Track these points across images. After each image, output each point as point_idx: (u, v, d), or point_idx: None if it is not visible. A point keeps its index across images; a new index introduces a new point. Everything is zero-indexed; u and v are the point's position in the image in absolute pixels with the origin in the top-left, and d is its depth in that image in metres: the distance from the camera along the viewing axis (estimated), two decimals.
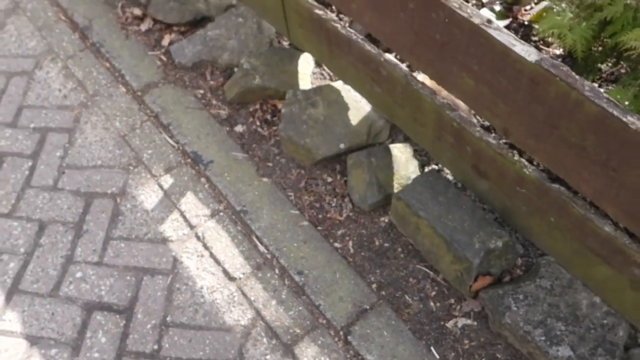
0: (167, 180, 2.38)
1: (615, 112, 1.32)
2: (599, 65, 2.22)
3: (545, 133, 1.54)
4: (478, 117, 2.34)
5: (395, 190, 2.17)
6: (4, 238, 2.29)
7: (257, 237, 2.19)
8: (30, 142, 2.56)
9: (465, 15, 1.53)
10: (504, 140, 2.18)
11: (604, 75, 2.29)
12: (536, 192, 1.74)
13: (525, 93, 1.51)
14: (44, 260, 2.22)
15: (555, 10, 2.07)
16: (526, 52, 1.45)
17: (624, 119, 1.31)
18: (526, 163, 1.74)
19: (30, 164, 2.49)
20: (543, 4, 2.50)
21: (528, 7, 2.61)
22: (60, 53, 2.85)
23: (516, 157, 1.76)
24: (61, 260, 2.22)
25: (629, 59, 1.93)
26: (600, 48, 2.17)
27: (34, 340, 2.05)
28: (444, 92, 2.12)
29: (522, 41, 1.47)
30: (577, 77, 1.38)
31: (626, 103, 1.83)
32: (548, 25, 1.97)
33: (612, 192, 1.48)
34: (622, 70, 2.13)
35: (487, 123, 2.31)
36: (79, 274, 2.18)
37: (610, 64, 2.29)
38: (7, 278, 2.19)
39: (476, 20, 1.52)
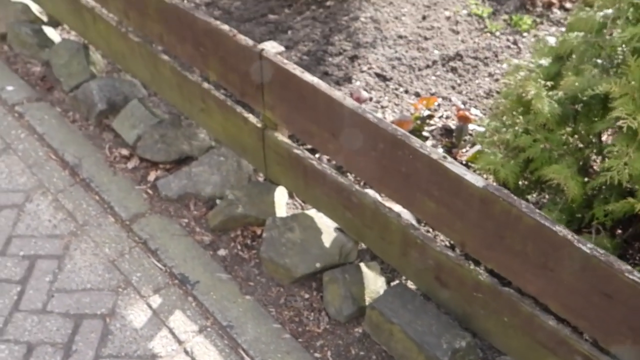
0: (156, 300, 2.55)
1: (547, 223, 1.72)
2: (527, 196, 2.70)
3: (495, 243, 1.92)
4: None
5: (367, 303, 2.45)
6: None
7: (243, 349, 2.36)
8: (20, 268, 2.69)
9: (426, 152, 1.97)
10: (459, 253, 2.55)
11: (531, 203, 2.77)
12: (491, 296, 2.08)
13: (477, 211, 1.91)
14: None
15: (488, 152, 2.58)
16: (475, 180, 1.87)
17: (554, 228, 1.71)
18: (481, 271, 2.10)
19: (19, 289, 2.61)
20: (476, 148, 3.05)
21: (464, 150, 3.16)
22: (50, 188, 3.09)
23: (472, 266, 2.11)
24: None
25: (550, 188, 2.41)
26: (526, 182, 2.67)
27: None
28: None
29: (471, 171, 1.90)
30: (515, 197, 1.80)
31: None
32: (484, 163, 2.45)
33: (551, 289, 1.84)
34: (545, 199, 2.61)
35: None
36: None
37: (535, 195, 2.79)
38: None
39: (435, 156, 1.95)
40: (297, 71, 2.31)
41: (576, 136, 2.38)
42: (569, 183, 2.14)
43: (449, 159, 1.94)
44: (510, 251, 1.88)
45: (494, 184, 2.79)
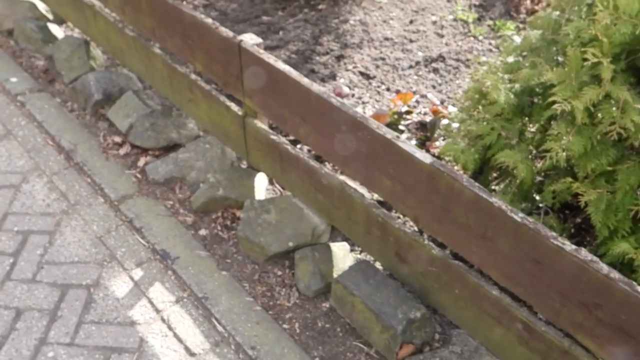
0: (138, 273, 2.73)
1: (484, 195, 1.88)
2: (492, 186, 2.86)
3: (443, 217, 2.08)
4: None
5: None
6: None
7: (216, 319, 2.53)
8: (13, 242, 2.88)
9: (382, 132, 2.14)
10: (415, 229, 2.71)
11: (495, 192, 2.93)
12: (443, 269, 2.23)
13: (426, 187, 2.07)
14: (19, 342, 2.45)
15: (452, 141, 2.74)
16: (424, 157, 2.04)
17: (490, 200, 1.87)
18: (433, 245, 2.26)
19: (11, 260, 2.80)
20: (448, 140, 3.20)
21: (437, 143, 3.32)
22: (46, 170, 3.29)
23: (426, 242, 2.27)
24: (35, 342, 2.45)
25: (505, 174, 2.57)
26: (493, 173, 2.83)
27: None
28: None
29: (420, 149, 2.07)
30: (457, 172, 1.96)
31: None
32: (446, 150, 2.62)
33: (492, 259, 1.99)
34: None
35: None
36: (51, 354, 2.41)
37: (502, 185, 2.94)
38: None
39: (389, 136, 2.12)
40: (271, 60, 2.49)
41: (531, 125, 2.54)
42: (519, 166, 2.29)
43: (402, 138, 2.10)
44: (456, 223, 2.04)
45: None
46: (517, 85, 2.52)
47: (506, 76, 2.62)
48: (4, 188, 3.18)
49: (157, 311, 2.57)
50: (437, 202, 2.06)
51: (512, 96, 2.47)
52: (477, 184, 1.91)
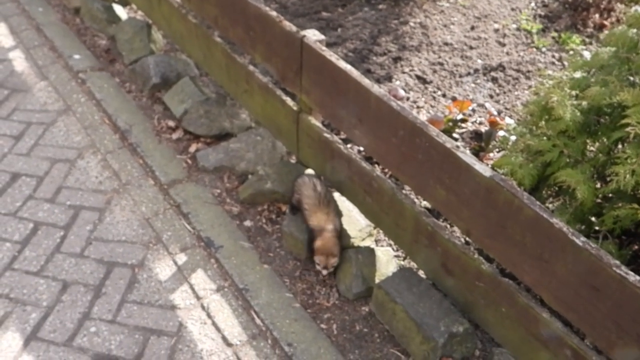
0: (182, 258, 2.76)
1: (545, 215, 1.82)
2: (547, 204, 2.77)
3: (497, 233, 2.02)
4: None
5: None
6: (29, 292, 2.59)
7: (255, 311, 2.53)
8: (65, 216, 2.96)
9: (441, 141, 2.09)
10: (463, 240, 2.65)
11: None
12: (491, 285, 2.17)
13: (483, 200, 2.01)
14: (63, 314, 2.51)
15: (510, 155, 2.66)
16: (483, 169, 1.98)
17: (551, 220, 1.80)
18: (483, 260, 2.20)
19: (62, 233, 2.87)
20: (503, 153, 3.12)
21: (491, 155, 3.24)
22: (101, 148, 3.36)
23: (475, 255, 2.21)
24: (78, 316, 2.51)
25: (564, 193, 2.48)
26: (548, 190, 2.74)
27: None
28: None
29: (480, 162, 2.01)
30: (518, 188, 1.90)
31: None
32: (503, 163, 2.54)
33: (546, 281, 1.92)
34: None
35: None
36: (93, 329, 2.47)
37: (556, 203, 2.85)
38: (27, 326, 2.46)
39: (449, 145, 2.07)
40: (333, 58, 2.47)
41: (596, 144, 2.44)
42: (580, 187, 2.20)
43: (462, 148, 2.05)
44: (511, 241, 1.98)
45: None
46: (584, 103, 2.43)
47: (573, 92, 2.52)
48: (60, 162, 3.26)
49: (198, 298, 2.60)
50: (493, 217, 2.00)
51: (578, 114, 2.38)
52: (538, 202, 1.85)
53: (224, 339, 2.44)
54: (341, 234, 2.69)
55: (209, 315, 2.53)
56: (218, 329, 2.48)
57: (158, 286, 2.64)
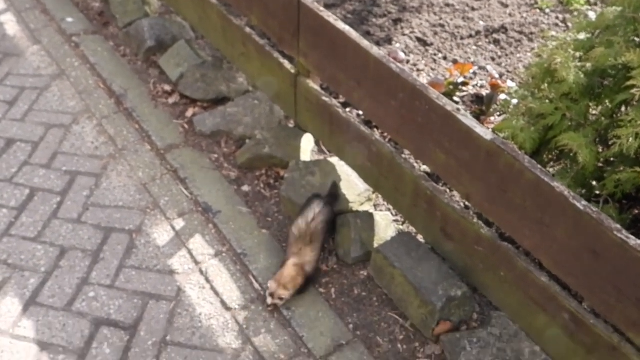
0: (179, 223, 2.74)
1: (546, 179, 1.79)
2: (548, 168, 2.74)
3: (498, 197, 1.99)
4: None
5: None
6: (27, 258, 2.58)
7: (253, 276, 2.53)
8: (61, 182, 2.93)
9: (442, 103, 2.05)
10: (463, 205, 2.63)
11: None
12: (490, 249, 2.16)
13: (483, 164, 1.98)
14: (62, 279, 2.51)
15: (511, 119, 2.62)
16: (484, 132, 1.94)
17: (552, 184, 1.77)
18: (482, 224, 2.18)
19: (58, 199, 2.85)
20: (504, 116, 3.08)
21: (492, 118, 3.19)
22: (96, 113, 3.31)
23: (475, 220, 2.20)
24: (77, 281, 2.51)
25: (565, 157, 2.44)
26: (549, 155, 2.71)
27: (44, 346, 2.29)
28: None
29: (481, 125, 1.97)
30: (519, 152, 1.86)
31: None
32: (504, 127, 2.50)
33: (546, 245, 1.91)
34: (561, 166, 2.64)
35: None
36: (91, 294, 2.47)
37: (556, 167, 2.82)
38: (26, 292, 2.46)
39: (449, 108, 2.03)
40: (331, 19, 2.40)
41: (599, 108, 2.39)
42: (582, 150, 2.17)
43: (462, 111, 2.01)
44: (511, 205, 1.95)
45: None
46: (588, 65, 2.37)
47: (577, 54, 2.47)
48: (55, 127, 3.22)
49: (196, 263, 2.59)
50: (493, 181, 1.98)
51: (582, 76, 2.33)
52: (539, 166, 1.82)
53: (223, 303, 2.45)
54: (310, 278, 2.46)
55: (207, 280, 2.53)
56: (217, 294, 2.48)
57: (156, 251, 2.64)
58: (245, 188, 2.92)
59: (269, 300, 2.38)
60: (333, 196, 2.67)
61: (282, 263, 2.48)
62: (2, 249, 2.60)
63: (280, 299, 2.36)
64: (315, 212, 2.52)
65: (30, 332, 2.33)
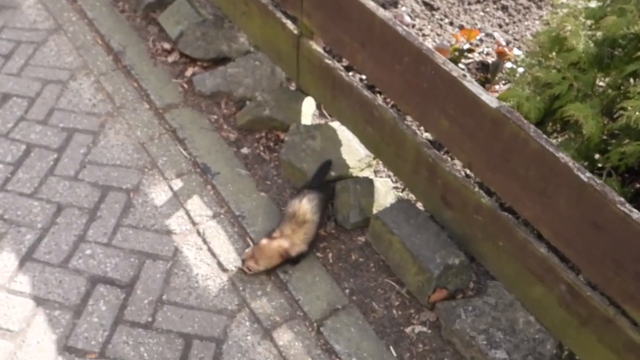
0: (177, 184, 2.72)
1: (550, 149, 1.76)
2: (552, 139, 2.70)
3: (500, 166, 1.97)
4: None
5: None
6: (24, 214, 2.57)
7: (250, 238, 2.52)
8: (58, 138, 2.89)
9: (447, 69, 2.00)
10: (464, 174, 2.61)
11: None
12: (490, 219, 2.14)
13: (487, 132, 1.95)
14: (58, 236, 2.50)
15: (517, 87, 2.57)
16: (490, 100, 1.90)
17: (557, 155, 1.75)
18: (483, 194, 2.16)
19: (55, 156, 2.81)
20: (509, 85, 3.03)
21: (497, 87, 3.14)
22: (94, 70, 3.24)
23: (476, 189, 2.17)
24: (73, 238, 2.50)
25: (570, 128, 2.41)
26: (553, 125, 2.67)
27: (40, 302, 2.29)
28: None
29: (487, 92, 1.93)
30: (525, 121, 1.83)
31: None
32: (509, 95, 2.45)
33: (546, 216, 1.89)
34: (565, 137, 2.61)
35: None
36: (88, 251, 2.46)
37: (559, 138, 2.79)
38: (22, 247, 2.45)
39: (455, 74, 1.98)
40: None
41: (607, 79, 2.35)
42: (588, 122, 2.13)
43: (468, 77, 1.96)
44: (514, 175, 1.93)
45: None
46: (598, 34, 2.31)
47: (588, 22, 2.40)
48: (51, 83, 3.16)
49: (194, 224, 2.58)
50: (497, 150, 1.95)
51: (592, 45, 2.27)
52: (544, 136, 1.78)
53: (220, 264, 2.45)
54: (293, 260, 2.42)
55: (204, 241, 2.52)
56: (214, 255, 2.47)
57: (154, 211, 2.62)
58: (245, 150, 2.89)
59: (237, 266, 2.40)
60: (322, 173, 2.61)
61: (271, 231, 2.44)
62: None
63: (249, 269, 2.36)
64: (309, 197, 2.46)
65: (27, 287, 2.33)
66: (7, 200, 2.61)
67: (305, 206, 2.42)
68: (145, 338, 2.21)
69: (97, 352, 2.16)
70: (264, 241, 2.38)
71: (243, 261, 2.37)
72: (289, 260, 2.41)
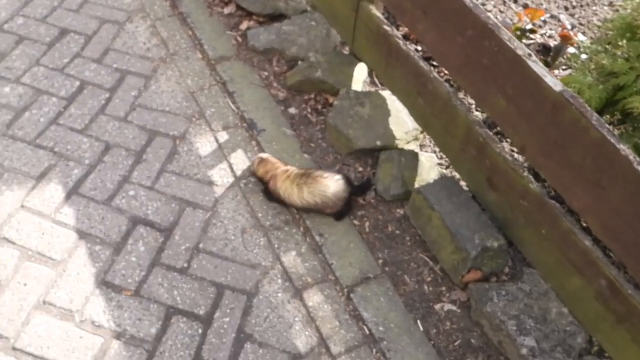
0: (223, 136, 2.74)
1: (612, 140, 1.70)
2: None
3: (555, 152, 1.91)
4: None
5: None
6: (73, 149, 2.63)
7: None
8: (111, 79, 2.93)
9: (513, 47, 1.93)
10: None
11: None
12: (536, 205, 2.10)
13: (547, 116, 1.89)
14: (104, 174, 2.56)
15: (579, 74, 2.48)
16: (554, 83, 1.84)
17: (618, 146, 1.68)
18: (532, 179, 2.11)
19: (107, 96, 2.86)
20: (569, 72, 2.92)
21: (557, 72, 3.03)
22: (151, 14, 3.26)
23: (525, 173, 2.12)
24: (119, 178, 2.55)
25: (634, 120, 2.32)
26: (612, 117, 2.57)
27: (83, 235, 2.36)
28: None
29: (553, 74, 1.86)
30: (588, 108, 1.76)
31: None
32: (571, 81, 2.37)
33: (597, 208, 1.84)
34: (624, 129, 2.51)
35: None
36: (132, 192, 2.51)
37: (614, 126, 2.69)
38: (69, 181, 2.52)
39: (520, 52, 1.91)
40: None
41: None
42: None
43: (534, 57, 1.90)
44: (568, 163, 1.87)
45: None
46: None
47: None
48: (109, 23, 3.19)
49: (236, 177, 2.60)
50: (554, 136, 1.89)
51: None
52: (607, 126, 1.72)
53: (258, 221, 2.47)
54: (276, 199, 2.49)
55: (244, 197, 2.54)
56: (252, 211, 2.50)
57: (197, 160, 2.65)
58: (292, 110, 2.88)
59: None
60: (362, 188, 2.57)
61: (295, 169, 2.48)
62: (50, 137, 2.65)
63: (251, 172, 2.57)
64: (344, 191, 2.42)
65: (71, 220, 2.40)
66: (58, 134, 2.67)
67: (338, 189, 2.40)
68: (179, 283, 2.26)
69: (133, 290, 2.23)
70: (273, 160, 2.51)
71: (252, 164, 2.56)
72: (264, 191, 2.53)
